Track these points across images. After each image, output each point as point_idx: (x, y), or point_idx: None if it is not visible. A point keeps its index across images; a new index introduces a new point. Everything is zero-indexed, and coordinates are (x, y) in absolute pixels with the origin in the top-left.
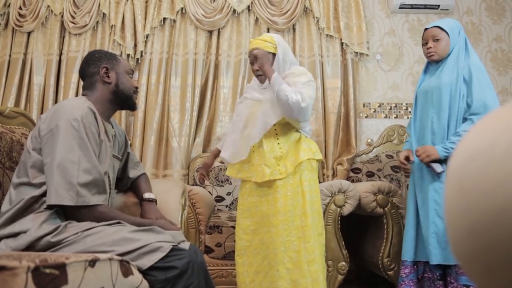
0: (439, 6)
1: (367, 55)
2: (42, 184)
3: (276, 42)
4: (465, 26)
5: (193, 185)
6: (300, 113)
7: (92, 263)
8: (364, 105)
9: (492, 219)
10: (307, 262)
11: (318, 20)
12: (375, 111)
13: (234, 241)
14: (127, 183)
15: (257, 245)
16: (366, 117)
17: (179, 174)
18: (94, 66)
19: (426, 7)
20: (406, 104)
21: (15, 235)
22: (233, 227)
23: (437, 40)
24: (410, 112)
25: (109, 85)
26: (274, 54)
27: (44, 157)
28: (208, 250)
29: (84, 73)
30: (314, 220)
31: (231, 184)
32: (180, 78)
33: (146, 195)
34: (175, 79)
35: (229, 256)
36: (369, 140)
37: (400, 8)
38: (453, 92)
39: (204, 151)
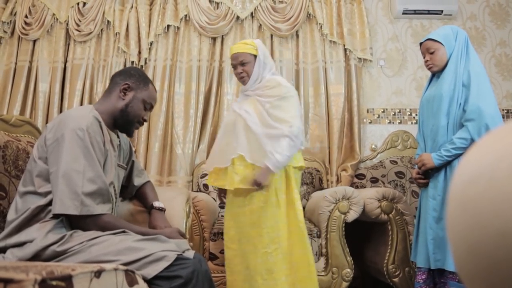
0: (442, 11)
1: (370, 60)
2: (47, 193)
3: (257, 45)
4: (468, 31)
5: (197, 191)
6: (297, 141)
7: (98, 274)
8: (368, 111)
9: (493, 242)
10: (284, 274)
11: (321, 26)
12: (379, 116)
13: None
14: (132, 191)
15: (242, 255)
16: (370, 122)
17: (183, 181)
18: (121, 78)
19: (429, 12)
20: (410, 109)
21: (21, 244)
22: None
23: (432, 52)
24: (414, 117)
25: (122, 102)
26: (255, 56)
27: (50, 166)
28: (213, 257)
29: (112, 80)
30: (292, 231)
31: None
32: (184, 85)
33: (156, 204)
34: (179, 86)
35: None
36: (373, 146)
37: (403, 13)
38: (451, 100)
39: (208, 157)
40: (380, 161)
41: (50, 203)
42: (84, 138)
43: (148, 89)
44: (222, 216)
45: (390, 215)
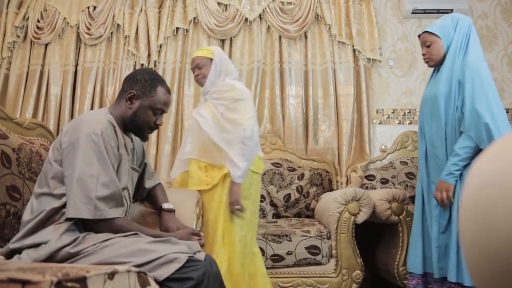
0: (452, 10)
1: (379, 61)
2: (62, 195)
3: (213, 50)
4: (479, 30)
5: None
6: (251, 142)
7: (111, 275)
8: (377, 111)
9: (505, 246)
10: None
11: (330, 27)
12: (388, 117)
13: None
14: (142, 193)
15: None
16: (380, 123)
17: None
18: (128, 86)
19: (439, 11)
20: None
21: (36, 245)
22: None
23: (429, 45)
24: None
25: (129, 110)
26: (211, 60)
27: (64, 170)
28: None
29: (123, 83)
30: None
31: None
32: (193, 87)
33: (166, 206)
34: (188, 88)
35: None
36: (383, 147)
37: (412, 13)
38: (447, 101)
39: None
40: (390, 162)
41: (64, 205)
42: (99, 143)
43: (156, 95)
44: None
45: (401, 216)
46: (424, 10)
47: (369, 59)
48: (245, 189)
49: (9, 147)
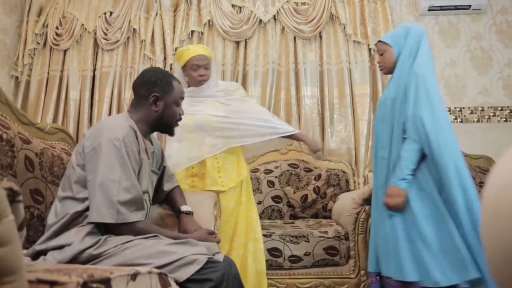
0: (470, 6)
1: None
2: (85, 199)
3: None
4: (499, 26)
5: None
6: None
7: (134, 276)
8: None
9: None
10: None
11: (344, 27)
12: None
13: (267, 249)
14: (161, 196)
15: None
16: None
17: None
18: (146, 90)
19: (456, 8)
20: None
21: (60, 247)
22: (265, 235)
23: (382, 54)
24: None
25: (155, 113)
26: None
27: (87, 174)
28: None
29: (135, 90)
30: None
31: (261, 193)
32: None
33: (184, 208)
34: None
35: None
36: None
37: (429, 10)
38: (394, 106)
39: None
40: None
41: (87, 209)
42: (120, 148)
43: (174, 89)
44: None
45: None
46: (441, 6)
47: None
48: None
49: (32, 152)
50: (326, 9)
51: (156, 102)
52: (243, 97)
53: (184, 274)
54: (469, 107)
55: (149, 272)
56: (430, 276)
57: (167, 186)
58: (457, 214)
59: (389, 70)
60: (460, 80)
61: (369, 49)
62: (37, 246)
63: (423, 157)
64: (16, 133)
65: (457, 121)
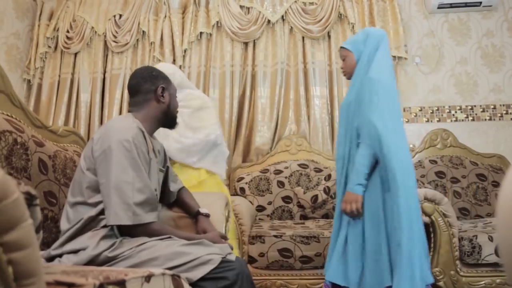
0: (480, 3)
1: (405, 58)
2: (97, 203)
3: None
4: (511, 22)
5: (233, 195)
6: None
7: (148, 278)
8: (404, 110)
9: None
10: None
11: (353, 26)
12: (416, 115)
13: (278, 250)
14: (169, 197)
15: None
16: (407, 121)
17: None
18: (151, 84)
19: (466, 5)
20: (449, 106)
21: (75, 251)
22: (276, 236)
23: (344, 59)
24: (453, 115)
25: (162, 105)
26: None
27: (99, 178)
28: (252, 260)
29: (137, 88)
30: None
31: (271, 193)
32: (218, 90)
33: (203, 211)
34: (213, 91)
35: (273, 266)
36: (411, 146)
37: (438, 8)
38: (350, 109)
39: (243, 161)
40: (419, 161)
41: (100, 213)
42: (131, 149)
43: (172, 82)
44: (260, 219)
45: (432, 216)
46: (450, 4)
47: (394, 56)
48: None
49: (46, 154)
50: (334, 9)
51: (163, 94)
52: (198, 109)
53: (199, 273)
54: (480, 105)
55: (163, 274)
56: (349, 280)
57: (173, 187)
58: (399, 216)
59: (350, 75)
60: (471, 78)
61: None
62: (53, 251)
63: (377, 161)
64: (30, 136)
65: (468, 120)
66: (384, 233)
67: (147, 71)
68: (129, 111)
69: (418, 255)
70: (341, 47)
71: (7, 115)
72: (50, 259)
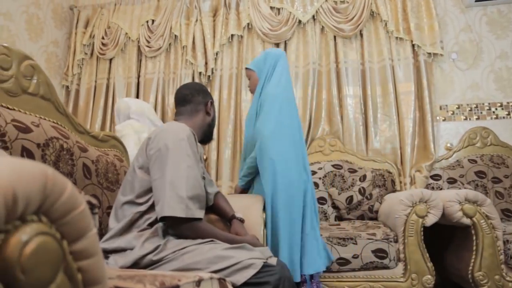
0: None
1: (441, 55)
2: (146, 202)
3: None
4: None
5: None
6: None
7: (198, 283)
8: (441, 108)
9: None
10: None
11: (386, 23)
12: (453, 113)
13: None
14: (208, 200)
15: None
16: (444, 120)
17: None
18: (204, 97)
19: None
20: (489, 103)
21: (121, 250)
22: None
23: (249, 78)
24: (493, 112)
25: (208, 118)
26: None
27: (153, 174)
28: None
29: (190, 98)
30: None
31: None
32: (250, 92)
33: (238, 215)
34: (245, 93)
35: None
36: (449, 145)
37: (476, 1)
38: (250, 123)
39: None
40: (457, 160)
41: (148, 211)
42: (186, 147)
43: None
44: None
45: (474, 218)
46: None
47: (429, 53)
48: None
49: (89, 159)
50: (366, 7)
51: (210, 108)
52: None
53: (242, 277)
54: None
55: (211, 278)
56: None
57: (210, 189)
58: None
59: (254, 91)
60: None
61: (413, 45)
62: (101, 244)
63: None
64: (75, 142)
65: (510, 117)
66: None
67: (200, 85)
68: (175, 120)
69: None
70: (246, 68)
71: (54, 122)
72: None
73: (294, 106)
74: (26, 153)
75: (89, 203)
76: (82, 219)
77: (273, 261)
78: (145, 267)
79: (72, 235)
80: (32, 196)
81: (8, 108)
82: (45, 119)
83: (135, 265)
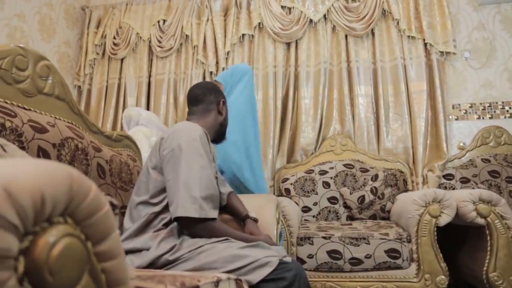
0: None
1: (454, 53)
2: (160, 202)
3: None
4: None
5: (279, 195)
6: None
7: (217, 283)
8: (453, 107)
9: None
10: None
11: (398, 22)
12: (466, 112)
13: (327, 252)
14: (221, 200)
15: None
16: (457, 119)
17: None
18: (216, 96)
19: None
20: (503, 102)
21: (137, 251)
22: (324, 237)
23: None
24: (507, 111)
25: (221, 117)
26: None
27: (167, 174)
28: (300, 262)
29: (202, 98)
30: None
31: (317, 194)
32: (262, 91)
33: (252, 215)
34: (256, 93)
35: (321, 267)
36: (461, 144)
37: None
38: None
39: (288, 161)
40: (470, 159)
41: (162, 211)
42: (199, 148)
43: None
44: (306, 220)
45: (488, 218)
46: None
47: (442, 52)
48: None
49: (103, 159)
50: (378, 5)
51: (222, 107)
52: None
53: (259, 275)
54: None
55: (228, 279)
56: None
57: (223, 189)
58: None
59: None
60: None
61: (425, 44)
62: None
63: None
64: (89, 142)
65: None
66: None
67: (212, 85)
68: (187, 119)
69: None
70: (215, 80)
71: (68, 122)
72: None
73: (254, 117)
74: (42, 153)
75: (110, 203)
76: (106, 220)
77: (288, 259)
78: (161, 267)
79: (96, 237)
80: (59, 198)
81: (24, 108)
82: (60, 119)
83: (151, 265)
